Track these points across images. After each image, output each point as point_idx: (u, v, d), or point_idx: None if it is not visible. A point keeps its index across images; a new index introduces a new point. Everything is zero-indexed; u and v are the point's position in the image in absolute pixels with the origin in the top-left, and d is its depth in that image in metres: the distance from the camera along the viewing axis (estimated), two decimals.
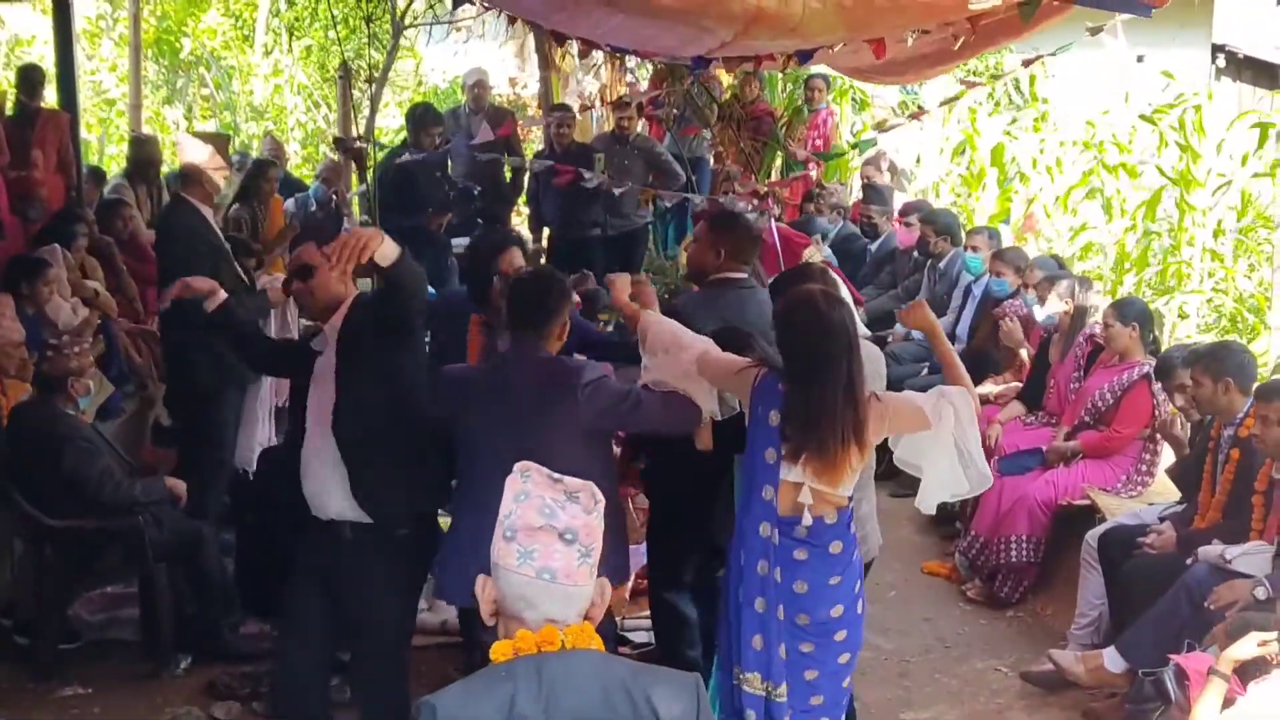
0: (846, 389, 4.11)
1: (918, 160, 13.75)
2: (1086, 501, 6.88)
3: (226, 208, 9.62)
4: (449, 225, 10.50)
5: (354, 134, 12.25)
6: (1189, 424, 6.67)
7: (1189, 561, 5.61)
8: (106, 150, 16.72)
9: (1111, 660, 5.63)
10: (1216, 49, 13.38)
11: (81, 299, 8.06)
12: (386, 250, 4.30)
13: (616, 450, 5.47)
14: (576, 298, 5.63)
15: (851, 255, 10.50)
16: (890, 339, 9.15)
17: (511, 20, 7.44)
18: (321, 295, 4.76)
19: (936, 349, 4.66)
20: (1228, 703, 4.44)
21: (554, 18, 6.94)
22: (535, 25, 7.90)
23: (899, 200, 11.30)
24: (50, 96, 10.39)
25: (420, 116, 10.79)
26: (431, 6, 14.21)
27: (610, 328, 6.74)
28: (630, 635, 6.19)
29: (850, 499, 4.31)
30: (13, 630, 6.33)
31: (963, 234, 9.36)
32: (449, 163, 11.21)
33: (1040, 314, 7.85)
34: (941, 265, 9.27)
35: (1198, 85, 11.55)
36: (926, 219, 9.58)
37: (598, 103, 13.80)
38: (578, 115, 12.10)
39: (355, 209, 11.48)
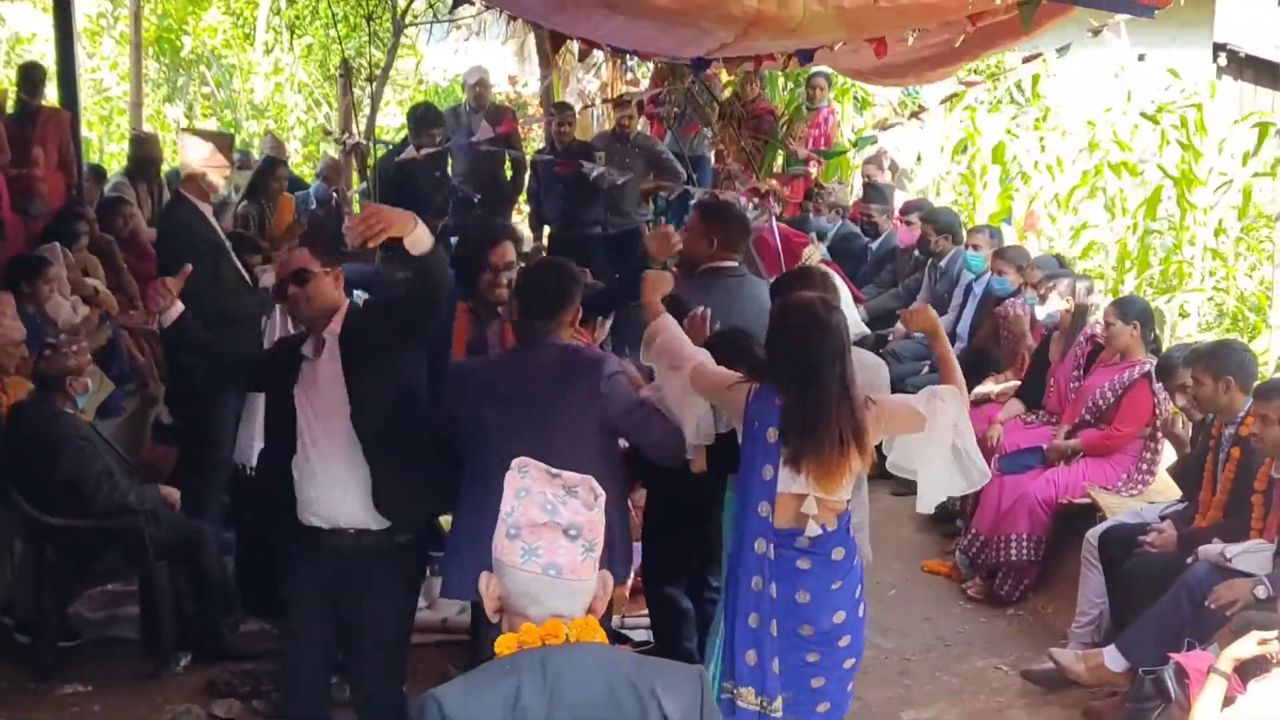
0: (841, 393, 4.12)
1: (919, 158, 13.75)
2: (1087, 500, 6.88)
3: (236, 205, 9.66)
4: (448, 226, 10.47)
5: (355, 132, 12.25)
6: (1190, 423, 6.67)
7: (1189, 560, 5.61)
8: (107, 148, 16.73)
9: (1112, 659, 5.63)
10: (1218, 48, 13.37)
11: (82, 297, 8.07)
12: (420, 237, 4.28)
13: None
14: None
15: (852, 254, 10.49)
16: (891, 337, 9.15)
17: (511, 19, 7.44)
18: (317, 301, 4.65)
19: (935, 349, 4.68)
20: (1228, 701, 4.44)
21: (554, 18, 6.94)
22: (535, 25, 7.90)
23: (900, 199, 11.30)
24: (51, 94, 10.39)
25: (421, 116, 10.79)
26: (432, 5, 14.22)
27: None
28: (630, 633, 6.19)
29: (848, 503, 4.32)
30: (13, 628, 6.33)
31: (964, 232, 9.36)
32: (449, 161, 11.21)
33: (1041, 312, 7.85)
34: (942, 264, 9.27)
35: (1199, 84, 11.54)
36: (927, 217, 9.58)
37: (598, 101, 13.81)
38: (578, 114, 12.10)
39: (356, 207, 11.48)
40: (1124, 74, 11.97)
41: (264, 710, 5.73)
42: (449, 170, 11.17)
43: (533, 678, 2.44)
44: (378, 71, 12.80)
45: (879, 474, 4.82)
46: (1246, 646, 4.54)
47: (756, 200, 9.17)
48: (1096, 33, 7.09)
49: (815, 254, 9.33)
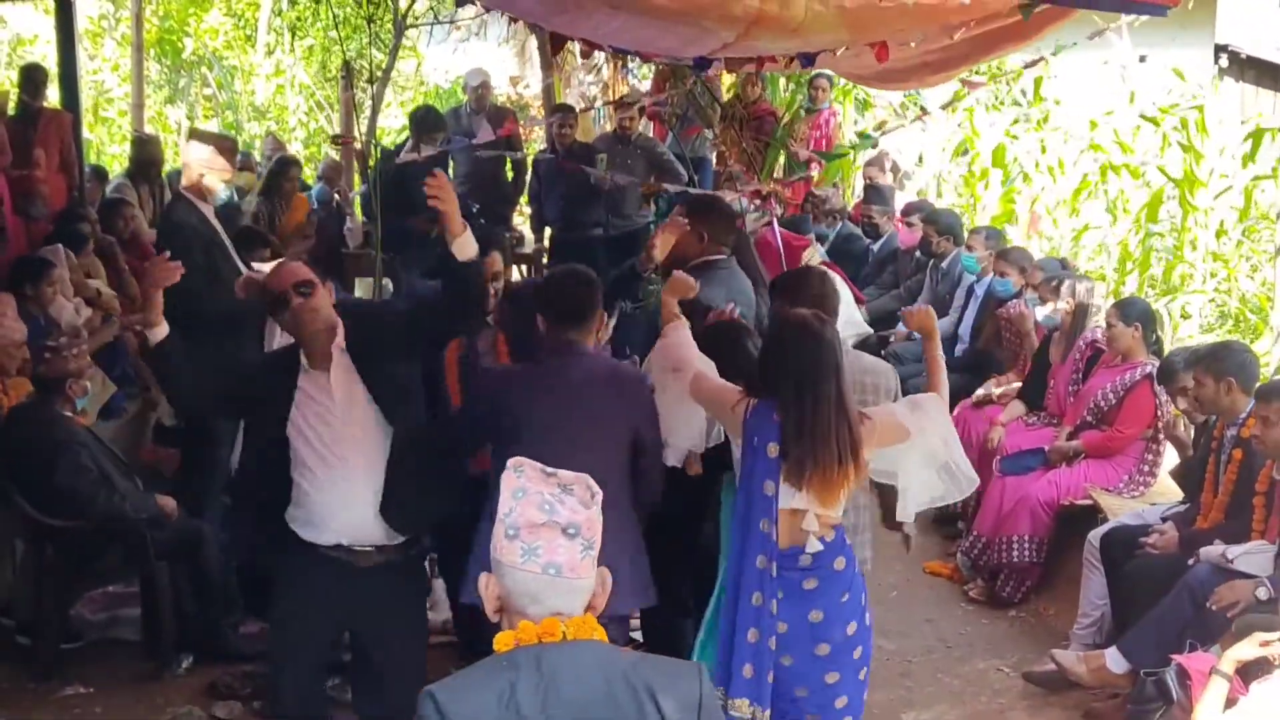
0: (839, 408, 4.11)
1: (920, 160, 13.75)
2: (1089, 501, 6.88)
3: (249, 203, 9.71)
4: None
5: (355, 134, 12.25)
6: (1192, 425, 6.67)
7: (1191, 562, 5.61)
8: (108, 150, 16.73)
9: (1114, 660, 5.62)
10: (1219, 49, 13.36)
11: (84, 299, 8.07)
12: (467, 242, 4.31)
13: None
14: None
15: (853, 255, 10.49)
16: (893, 339, 9.15)
17: (512, 21, 7.44)
18: (325, 312, 4.54)
19: (927, 350, 4.67)
20: (1230, 703, 4.44)
21: (555, 20, 6.92)
22: (535, 27, 7.90)
23: (901, 200, 11.30)
24: (53, 96, 10.40)
25: (422, 120, 10.79)
26: (433, 7, 14.22)
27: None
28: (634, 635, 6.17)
29: (842, 516, 4.32)
30: (14, 630, 6.33)
31: (965, 234, 9.36)
32: (450, 164, 11.20)
33: (1041, 313, 7.86)
34: (944, 265, 9.27)
35: (1201, 85, 11.54)
36: (928, 219, 9.59)
37: (599, 102, 13.81)
38: (579, 115, 12.10)
39: (357, 208, 11.48)
40: (1127, 75, 11.96)
41: (265, 711, 5.71)
42: (450, 173, 11.16)
43: (528, 675, 2.44)
44: (379, 73, 12.77)
45: None
46: (1248, 648, 4.54)
47: (758, 202, 9.16)
48: (1099, 34, 7.09)
49: (815, 256, 9.32)
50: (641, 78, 14.70)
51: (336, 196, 11.58)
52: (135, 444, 7.82)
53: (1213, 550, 5.52)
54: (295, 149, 16.36)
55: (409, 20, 13.49)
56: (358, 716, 5.03)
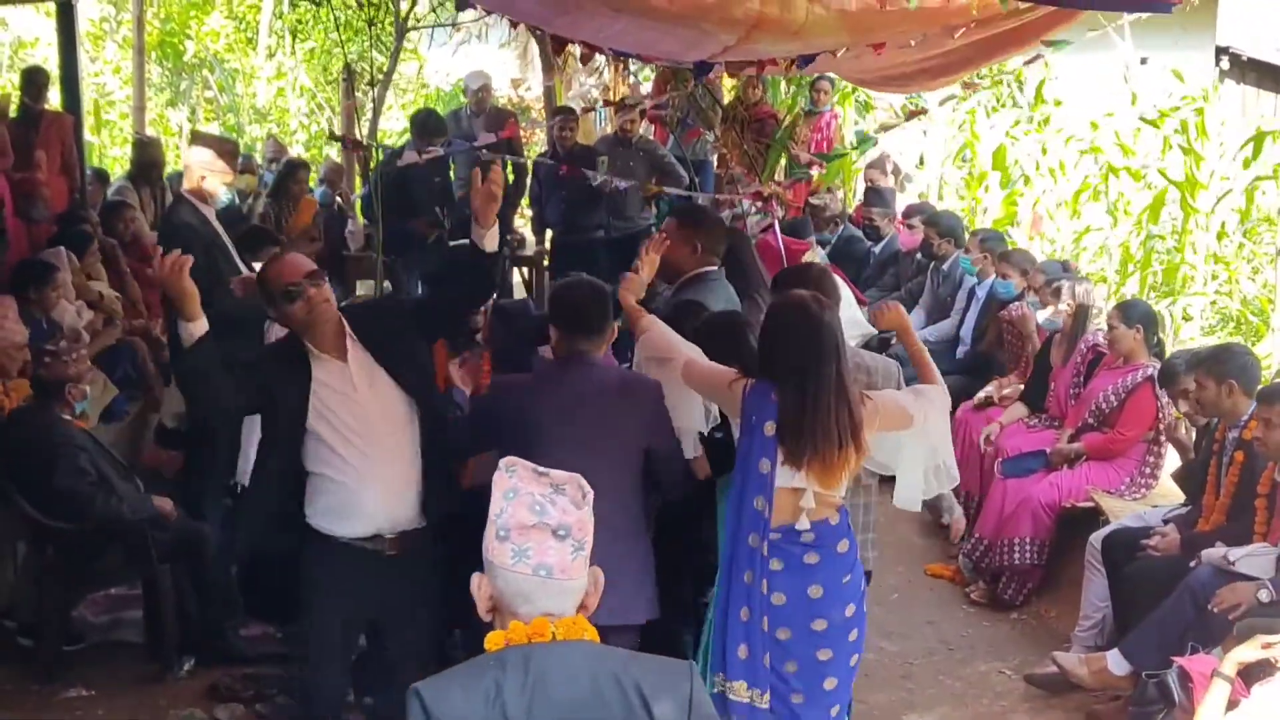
0: (838, 390, 4.10)
1: (921, 162, 13.76)
2: (1090, 503, 6.88)
3: (256, 203, 9.74)
4: (452, 229, 10.47)
5: (357, 136, 12.26)
6: (1194, 428, 6.67)
7: (1192, 564, 5.60)
8: (110, 152, 16.75)
9: (1115, 662, 5.62)
10: (1220, 51, 13.37)
11: (86, 301, 8.07)
12: (494, 236, 4.41)
13: None
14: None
15: (854, 258, 10.50)
16: (894, 339, 9.14)
17: (513, 25, 7.45)
18: (334, 303, 4.54)
19: (908, 346, 4.66)
20: (1232, 705, 4.44)
21: (556, 22, 6.94)
22: (536, 30, 7.90)
23: (902, 202, 11.30)
24: (54, 99, 10.41)
25: (423, 124, 10.81)
26: (434, 10, 14.23)
27: None
28: None
29: (846, 499, 4.32)
30: (16, 632, 6.33)
31: (966, 236, 9.37)
32: (451, 167, 11.21)
33: (1043, 316, 7.86)
34: (945, 267, 9.28)
35: (1203, 87, 11.54)
36: (929, 221, 9.60)
37: (600, 104, 13.80)
38: (580, 117, 12.10)
39: (358, 211, 11.50)
40: (1130, 77, 11.95)
41: (267, 714, 5.73)
42: (451, 176, 11.17)
43: (515, 675, 2.44)
44: (380, 76, 12.79)
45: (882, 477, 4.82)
46: (1250, 650, 4.54)
47: (759, 204, 9.16)
48: (1097, 31, 7.09)
49: (815, 259, 9.34)
50: (643, 80, 14.71)
51: (338, 199, 11.60)
52: (137, 446, 7.83)
53: (1214, 552, 5.52)
54: (296, 151, 16.39)
55: (410, 23, 13.50)
56: (361, 714, 5.03)
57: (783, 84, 13.27)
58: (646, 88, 14.13)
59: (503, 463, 2.61)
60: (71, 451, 5.95)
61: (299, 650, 6.06)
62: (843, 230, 10.79)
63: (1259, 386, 5.86)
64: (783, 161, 11.97)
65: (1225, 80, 12.70)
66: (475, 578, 2.58)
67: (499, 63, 17.88)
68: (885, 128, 10.84)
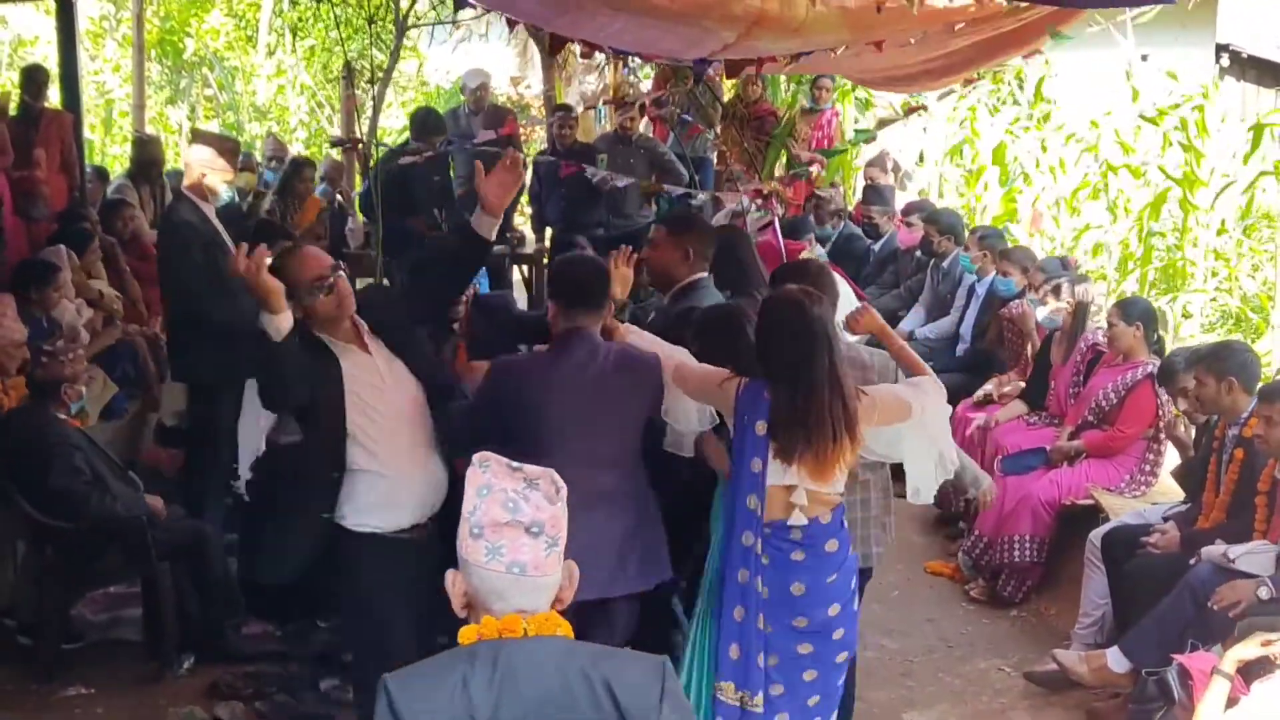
0: (832, 384, 4.09)
1: (920, 159, 13.76)
2: (1090, 501, 6.88)
3: (261, 200, 9.75)
4: (438, 236, 10.45)
5: (357, 134, 12.26)
6: (1193, 426, 6.67)
7: (1192, 561, 5.60)
8: (110, 150, 16.75)
9: (1115, 660, 5.62)
10: (1220, 48, 13.38)
11: (86, 300, 8.07)
12: (495, 225, 4.47)
13: None
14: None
15: (854, 255, 10.51)
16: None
17: (511, 24, 7.43)
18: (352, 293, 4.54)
19: (889, 347, 4.64)
20: (1231, 703, 4.44)
21: (556, 21, 6.93)
22: (534, 29, 7.89)
23: (902, 200, 11.30)
24: (54, 97, 10.40)
25: (422, 122, 10.82)
26: (434, 8, 14.23)
27: None
28: None
29: (842, 496, 4.31)
30: (16, 631, 6.33)
31: (966, 234, 9.37)
32: (450, 165, 11.21)
33: (1042, 313, 7.86)
34: (945, 265, 9.27)
35: (1204, 84, 11.55)
36: (929, 219, 9.60)
37: (600, 102, 13.81)
38: (580, 115, 12.11)
39: (357, 208, 11.50)
40: (1132, 74, 11.96)
41: (266, 712, 5.72)
42: (451, 175, 11.17)
43: (484, 670, 2.44)
44: (380, 73, 12.80)
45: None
46: (1250, 648, 4.54)
47: (759, 202, 9.16)
48: (1098, 28, 7.09)
49: (814, 257, 9.35)
50: (643, 77, 14.71)
51: (339, 197, 11.59)
52: (136, 444, 7.83)
53: (1214, 550, 5.52)
54: (296, 149, 16.39)
55: (410, 21, 13.49)
56: (355, 714, 5.01)
57: (783, 81, 13.28)
58: (646, 85, 14.14)
59: (476, 458, 2.60)
60: (66, 451, 5.95)
61: (299, 650, 6.09)
62: (843, 228, 10.79)
63: (1259, 384, 5.86)
64: (783, 159, 11.99)
65: (1225, 77, 12.70)
66: (450, 574, 2.59)
67: (499, 61, 17.89)
68: (884, 123, 10.84)
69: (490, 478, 2.56)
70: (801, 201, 11.26)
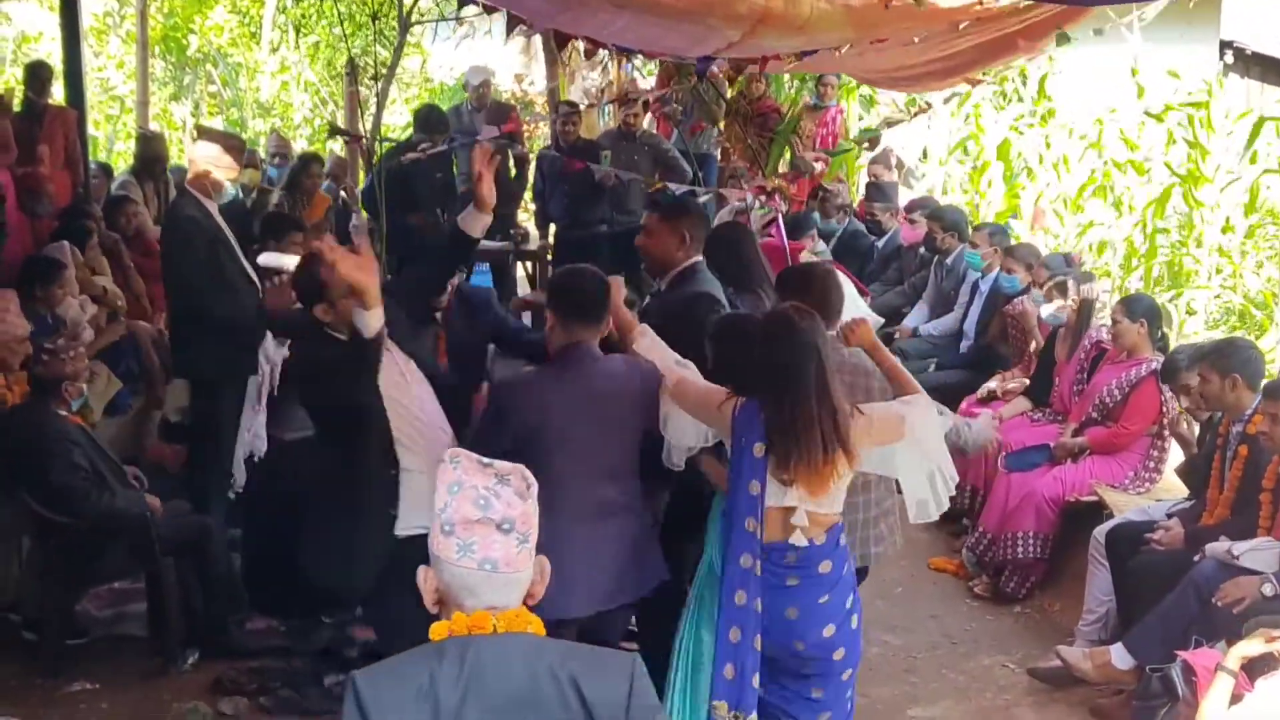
0: (820, 397, 4.07)
1: (924, 156, 13.75)
2: (1094, 498, 6.88)
3: (274, 196, 9.77)
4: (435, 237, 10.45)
5: (360, 130, 12.27)
6: (1196, 423, 6.67)
7: (1197, 558, 5.60)
8: (114, 147, 16.75)
9: (1119, 657, 5.62)
10: (1224, 45, 13.35)
11: (90, 296, 8.07)
12: (483, 222, 4.49)
13: None
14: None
15: (859, 252, 10.51)
16: (897, 335, 9.16)
17: (511, 26, 7.41)
18: None
19: (880, 363, 4.59)
20: (1236, 699, 4.45)
21: (560, 18, 6.93)
22: (539, 27, 7.87)
23: (905, 196, 11.30)
24: (58, 93, 10.40)
25: (425, 119, 10.83)
26: (438, 4, 14.23)
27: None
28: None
29: (840, 516, 4.31)
30: (21, 626, 6.33)
31: (969, 230, 9.36)
32: (454, 162, 11.22)
33: (1047, 310, 7.86)
34: (949, 261, 9.27)
35: (1205, 80, 11.54)
36: (933, 215, 9.59)
37: (604, 98, 13.81)
38: (584, 111, 12.11)
39: (360, 204, 11.50)
40: (1139, 70, 11.95)
41: (270, 707, 5.73)
42: (454, 172, 11.18)
43: (451, 667, 2.45)
44: (384, 70, 12.79)
45: None
46: (1254, 644, 4.55)
47: (763, 198, 9.16)
48: (1099, 31, 7.09)
49: (816, 253, 9.37)
50: (646, 74, 14.71)
51: (343, 193, 11.60)
52: (140, 440, 7.83)
53: (1218, 546, 5.52)
54: (300, 146, 16.39)
55: (414, 17, 13.49)
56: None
57: (786, 78, 13.27)
58: (649, 82, 14.14)
59: (446, 454, 2.60)
60: (66, 448, 5.95)
61: (303, 645, 6.10)
62: (848, 224, 10.79)
63: (1263, 381, 5.86)
64: (786, 155, 11.99)
65: (1229, 74, 12.68)
66: (421, 570, 2.59)
67: (503, 57, 17.86)
68: (890, 122, 10.83)
69: (461, 474, 2.56)
70: (805, 198, 11.26)
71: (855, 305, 5.50)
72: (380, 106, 12.31)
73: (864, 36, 6.15)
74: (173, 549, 6.07)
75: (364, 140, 11.12)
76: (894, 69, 7.51)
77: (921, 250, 9.81)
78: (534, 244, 12.22)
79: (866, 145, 11.62)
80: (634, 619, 5.12)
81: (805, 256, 8.94)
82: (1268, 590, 5.16)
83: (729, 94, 12.61)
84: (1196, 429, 6.81)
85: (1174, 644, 5.16)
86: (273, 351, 6.86)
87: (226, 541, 6.44)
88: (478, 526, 2.51)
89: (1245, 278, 10.42)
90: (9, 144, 8.82)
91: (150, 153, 10.78)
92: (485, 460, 2.59)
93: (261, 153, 12.80)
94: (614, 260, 9.48)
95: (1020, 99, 13.21)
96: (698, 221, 5.68)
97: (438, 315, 5.70)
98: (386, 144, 11.13)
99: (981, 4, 5.49)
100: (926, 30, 6.04)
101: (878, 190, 11.03)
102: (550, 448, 4.34)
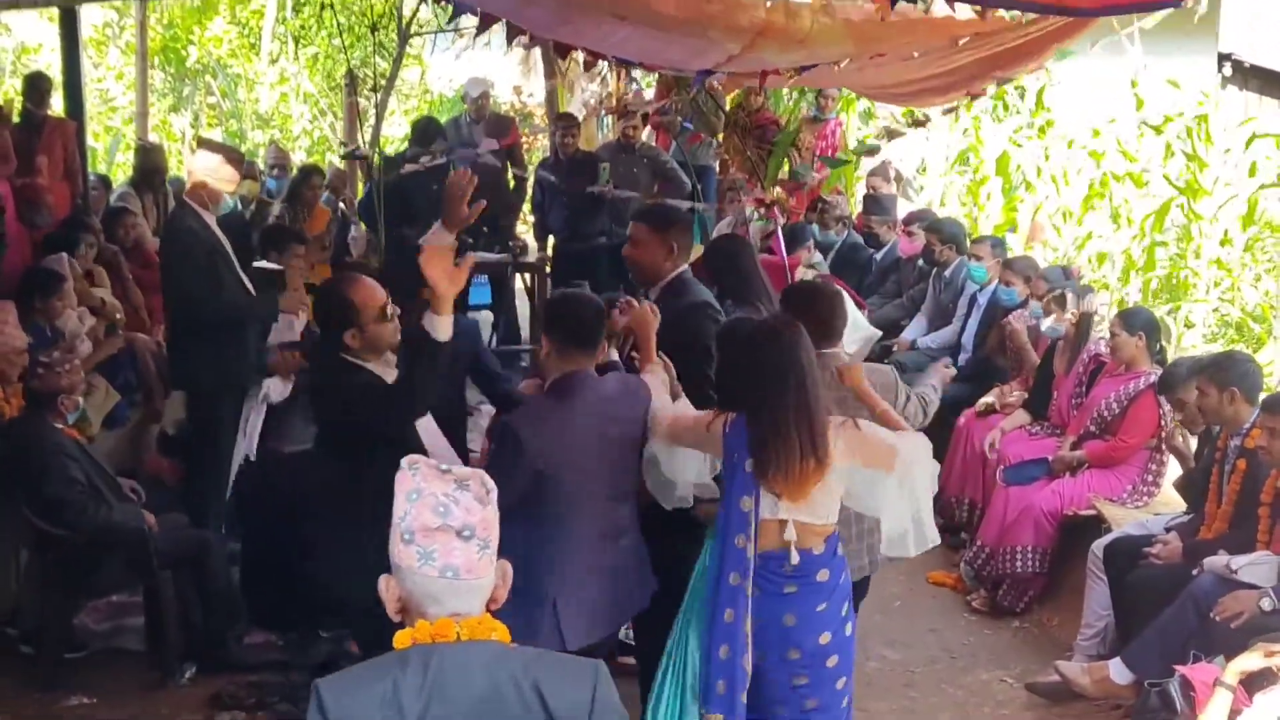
0: (797, 406, 4.09)
1: (922, 168, 13.76)
2: (1092, 511, 6.88)
3: (275, 208, 9.78)
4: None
5: (359, 142, 12.29)
6: (1192, 437, 6.67)
7: (1195, 572, 5.60)
8: (114, 158, 16.76)
9: (1118, 671, 5.62)
10: (1223, 58, 13.38)
11: (88, 308, 8.07)
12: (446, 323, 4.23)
13: None
14: None
15: (857, 265, 10.50)
16: (895, 348, 9.15)
17: (511, 36, 7.43)
18: None
19: (871, 409, 4.60)
20: (1234, 714, 4.44)
21: (560, 29, 6.94)
22: (534, 39, 7.89)
23: (904, 209, 11.30)
24: (57, 104, 10.41)
25: (422, 131, 10.84)
26: (437, 16, 14.26)
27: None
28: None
29: (835, 526, 4.32)
30: (19, 639, 6.33)
31: (968, 242, 9.36)
32: (451, 173, 11.22)
33: (1045, 324, 7.86)
34: (947, 274, 9.27)
35: (1202, 91, 11.57)
36: (931, 228, 9.59)
37: (603, 110, 13.82)
38: (582, 123, 12.13)
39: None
40: (1138, 82, 11.97)
41: None
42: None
43: (414, 675, 2.46)
44: (383, 81, 12.83)
45: None
46: (1252, 659, 4.54)
47: (762, 210, 9.16)
48: (1094, 43, 7.10)
49: (813, 263, 9.37)
50: (645, 85, 14.72)
51: (342, 205, 11.61)
52: (138, 453, 7.82)
53: (1217, 561, 5.52)
54: (299, 157, 16.41)
55: (413, 29, 13.52)
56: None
57: (785, 90, 13.27)
58: (649, 94, 14.14)
59: (405, 462, 2.60)
60: (62, 461, 5.94)
61: (301, 659, 6.09)
62: (847, 237, 10.78)
63: (1261, 394, 5.86)
64: (786, 167, 11.98)
65: (1228, 87, 12.71)
66: (383, 579, 2.59)
67: (502, 69, 17.89)
68: (892, 135, 10.83)
69: (420, 482, 2.56)
70: (804, 210, 11.26)
71: (855, 322, 5.48)
72: (379, 118, 12.36)
73: (864, 51, 6.16)
74: (171, 562, 6.07)
75: (360, 151, 11.15)
76: (893, 84, 7.52)
77: (920, 263, 9.80)
78: (533, 256, 12.22)
79: (866, 154, 11.61)
80: (632, 628, 5.15)
81: (802, 270, 8.94)
82: (1266, 605, 5.16)
83: (728, 106, 12.62)
84: (1194, 443, 6.81)
85: (1172, 659, 5.15)
86: (274, 394, 6.85)
87: (225, 555, 6.43)
88: (438, 534, 2.51)
89: (1243, 291, 10.44)
90: (8, 155, 8.83)
91: (149, 164, 10.79)
92: (444, 467, 2.59)
93: (260, 164, 12.80)
94: (613, 273, 9.49)
95: (1017, 111, 13.23)
96: (684, 230, 5.66)
97: None
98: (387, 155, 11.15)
99: (982, 18, 5.50)
100: (926, 46, 6.05)
101: (876, 203, 11.02)
102: (566, 477, 4.32)
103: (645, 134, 11.90)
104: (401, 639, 2.53)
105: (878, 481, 4.31)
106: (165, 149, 13.26)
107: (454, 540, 2.51)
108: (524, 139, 13.72)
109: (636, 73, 13.13)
